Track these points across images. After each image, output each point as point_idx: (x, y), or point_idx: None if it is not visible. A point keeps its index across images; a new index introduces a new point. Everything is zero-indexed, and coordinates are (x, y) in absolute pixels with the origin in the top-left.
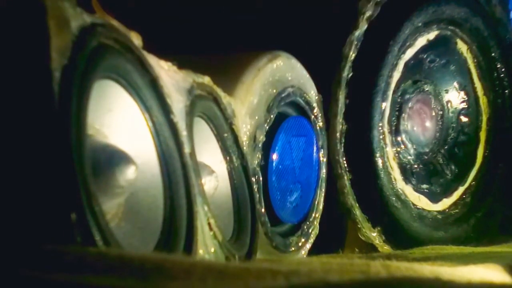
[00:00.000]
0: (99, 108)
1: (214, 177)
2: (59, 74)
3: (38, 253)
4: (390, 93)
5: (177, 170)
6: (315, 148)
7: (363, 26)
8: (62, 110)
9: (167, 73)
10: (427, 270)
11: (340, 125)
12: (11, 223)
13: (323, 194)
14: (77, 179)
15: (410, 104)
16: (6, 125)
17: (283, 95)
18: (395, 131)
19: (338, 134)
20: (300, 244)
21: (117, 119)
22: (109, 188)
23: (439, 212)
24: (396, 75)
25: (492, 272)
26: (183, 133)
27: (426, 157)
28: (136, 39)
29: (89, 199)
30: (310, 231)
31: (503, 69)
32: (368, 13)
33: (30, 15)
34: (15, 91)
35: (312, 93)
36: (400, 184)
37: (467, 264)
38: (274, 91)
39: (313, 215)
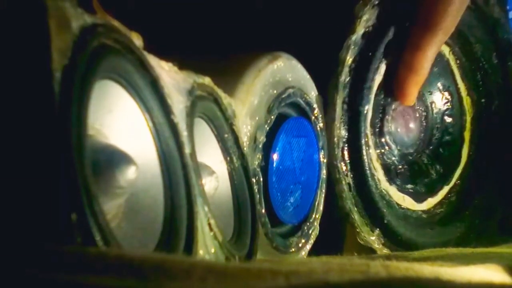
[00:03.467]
0: (99, 108)
1: (215, 177)
2: (59, 74)
3: (37, 253)
4: (372, 96)
5: (178, 170)
6: (315, 149)
7: (360, 30)
8: (63, 111)
9: (168, 74)
10: (427, 270)
11: (337, 129)
12: (11, 223)
13: (323, 195)
14: (78, 180)
15: (393, 106)
16: (6, 125)
17: (283, 96)
18: (379, 133)
19: (335, 139)
20: (300, 244)
21: (118, 120)
22: (109, 188)
23: (424, 211)
24: (378, 78)
25: (492, 272)
26: (184, 133)
27: (410, 158)
28: (137, 40)
29: (89, 199)
30: (310, 232)
31: (486, 69)
32: (364, 17)
33: (30, 15)
34: (15, 92)
35: (313, 94)
36: (384, 184)
37: (467, 264)
38: (275, 92)
39: (314, 216)
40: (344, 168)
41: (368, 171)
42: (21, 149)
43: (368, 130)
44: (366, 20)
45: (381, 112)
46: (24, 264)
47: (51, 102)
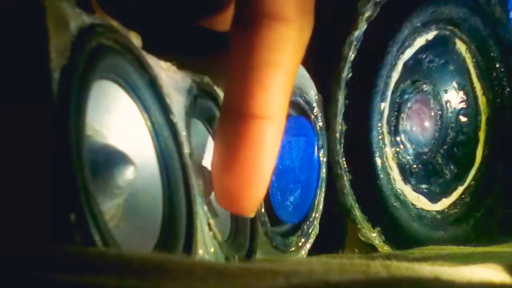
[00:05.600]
0: (98, 108)
1: None
2: (58, 75)
3: (37, 253)
4: (389, 93)
5: (177, 170)
6: (315, 148)
7: (362, 27)
8: (61, 111)
9: (167, 73)
10: (427, 270)
11: (339, 125)
12: (10, 224)
13: (323, 194)
14: (76, 180)
15: (409, 104)
16: (4, 126)
17: None
18: (394, 131)
19: (337, 135)
20: (300, 244)
21: (116, 120)
22: (108, 188)
23: (438, 212)
24: (395, 75)
25: (492, 272)
26: (183, 133)
27: (425, 157)
28: (136, 39)
29: (88, 200)
30: (310, 231)
31: (502, 69)
32: (367, 14)
33: (29, 15)
34: (13, 92)
35: (312, 93)
36: (399, 184)
37: (467, 264)
38: None
39: (313, 215)
40: (345, 164)
41: (380, 169)
42: (20, 149)
43: (385, 128)
44: (368, 17)
45: (396, 110)
46: (24, 264)
47: (49, 103)
